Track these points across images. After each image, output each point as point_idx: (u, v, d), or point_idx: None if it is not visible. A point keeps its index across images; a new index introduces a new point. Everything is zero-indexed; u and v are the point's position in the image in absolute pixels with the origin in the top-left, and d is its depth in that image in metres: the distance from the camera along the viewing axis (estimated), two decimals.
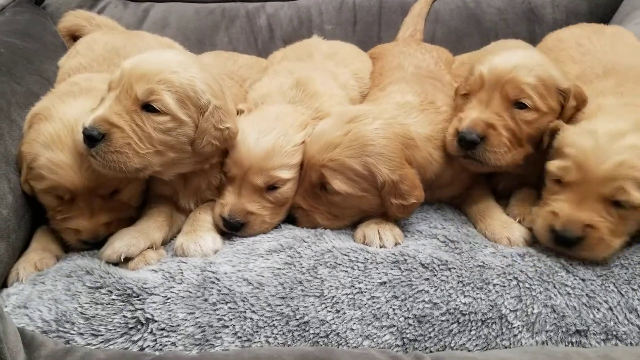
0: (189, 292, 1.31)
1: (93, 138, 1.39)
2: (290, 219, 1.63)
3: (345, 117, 1.55)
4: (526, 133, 1.57)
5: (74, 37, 2.28)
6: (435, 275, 1.37)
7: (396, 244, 1.49)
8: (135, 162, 1.42)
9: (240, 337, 1.25)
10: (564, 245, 1.42)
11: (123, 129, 1.40)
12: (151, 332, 1.24)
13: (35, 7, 2.38)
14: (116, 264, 1.45)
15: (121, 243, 1.46)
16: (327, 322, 1.28)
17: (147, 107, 1.43)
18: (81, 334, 1.24)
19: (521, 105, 1.56)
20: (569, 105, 1.58)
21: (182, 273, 1.36)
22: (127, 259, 1.46)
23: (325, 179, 1.50)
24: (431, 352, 1.23)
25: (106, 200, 1.54)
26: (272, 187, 1.58)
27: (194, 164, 1.56)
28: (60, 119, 1.49)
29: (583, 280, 1.38)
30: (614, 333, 1.31)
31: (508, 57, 1.59)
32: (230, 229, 1.56)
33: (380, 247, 1.47)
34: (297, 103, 1.76)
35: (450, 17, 2.56)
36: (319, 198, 1.56)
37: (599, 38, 2.03)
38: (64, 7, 2.42)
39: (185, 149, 1.50)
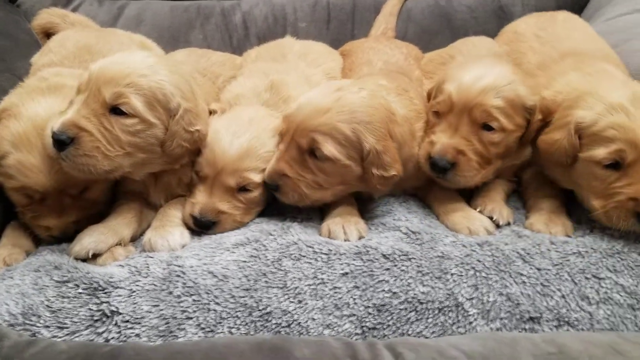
0: (154, 285, 1.34)
1: (62, 142, 1.41)
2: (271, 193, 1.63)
3: (332, 87, 1.59)
4: (494, 152, 1.63)
5: (48, 35, 2.31)
6: (395, 265, 1.41)
7: (360, 237, 1.53)
8: (104, 165, 1.45)
9: (204, 329, 1.28)
10: None
11: (92, 133, 1.43)
12: (116, 324, 1.27)
13: (8, 5, 2.41)
14: (85, 259, 1.47)
15: (90, 239, 1.49)
16: (290, 312, 1.31)
17: (116, 110, 1.45)
18: (47, 326, 1.26)
19: (489, 127, 1.60)
20: (535, 120, 1.63)
21: (148, 267, 1.39)
22: (96, 255, 1.48)
23: (317, 143, 1.51)
24: (388, 339, 1.27)
25: (75, 199, 1.57)
26: (243, 189, 1.60)
27: (164, 164, 1.59)
28: (29, 119, 1.51)
29: (539, 269, 1.42)
30: (566, 319, 1.35)
31: (476, 78, 1.61)
32: (201, 227, 1.58)
33: (345, 241, 1.51)
34: (271, 106, 1.79)
35: (422, 16, 2.61)
36: (305, 166, 1.56)
37: (553, 27, 2.11)
38: (39, 5, 2.45)
39: (155, 150, 1.53)
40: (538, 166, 1.76)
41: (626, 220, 1.47)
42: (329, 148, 1.50)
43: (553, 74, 1.77)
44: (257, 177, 1.59)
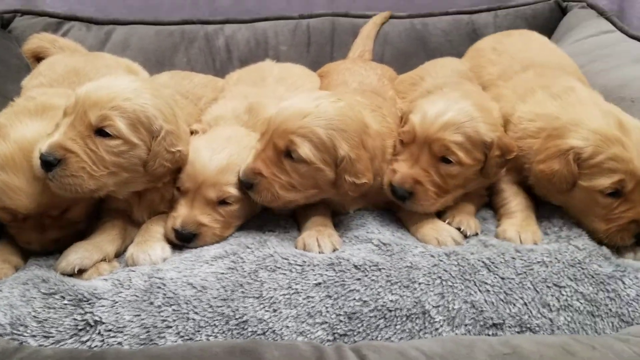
0: (136, 296, 1.40)
1: (49, 163, 1.49)
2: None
3: (312, 95, 1.68)
4: (452, 184, 1.71)
5: (38, 59, 2.39)
6: (366, 275, 1.48)
7: (334, 250, 1.60)
8: (90, 184, 1.53)
9: (183, 337, 1.34)
10: None
11: (78, 154, 1.50)
12: (99, 333, 1.32)
13: (0, 31, 2.49)
14: (71, 275, 1.53)
15: (75, 256, 1.55)
16: (265, 320, 1.38)
17: (101, 132, 1.53)
18: (34, 336, 1.32)
19: (447, 160, 1.68)
20: (492, 155, 1.71)
21: (130, 280, 1.45)
22: (81, 271, 1.55)
23: (294, 145, 1.58)
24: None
25: (56, 219, 1.63)
26: (223, 202, 1.67)
27: (147, 183, 1.66)
28: (15, 142, 1.56)
29: (503, 278, 1.49)
30: (528, 325, 1.42)
31: (439, 113, 1.69)
32: (182, 240, 1.64)
33: (319, 253, 1.58)
34: (250, 127, 1.87)
35: (398, 39, 2.74)
36: (280, 167, 1.62)
37: (509, 40, 2.27)
38: (29, 30, 2.54)
39: (138, 169, 1.60)
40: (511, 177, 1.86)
41: (628, 239, 1.64)
42: (305, 150, 1.58)
43: (518, 88, 1.89)
44: (235, 191, 1.67)
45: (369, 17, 2.79)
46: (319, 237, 1.62)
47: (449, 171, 1.69)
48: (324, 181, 1.64)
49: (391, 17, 2.81)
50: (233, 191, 1.67)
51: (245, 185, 1.65)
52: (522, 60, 2.10)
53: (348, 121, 1.61)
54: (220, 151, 1.68)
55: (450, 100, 1.73)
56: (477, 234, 1.71)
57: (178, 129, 1.65)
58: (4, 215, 1.60)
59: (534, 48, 2.24)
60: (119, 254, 1.68)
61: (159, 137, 1.59)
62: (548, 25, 2.83)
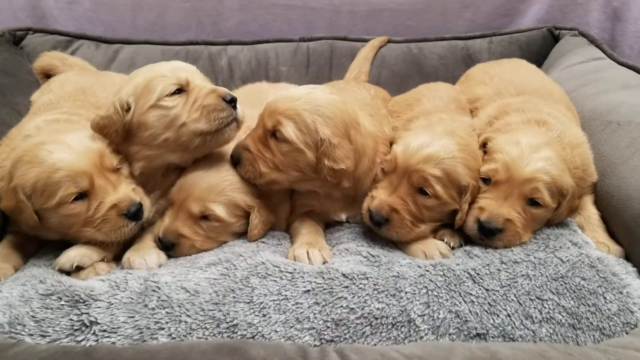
0: (131, 298, 1.46)
1: None
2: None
3: (312, 86, 1.79)
4: (427, 215, 1.74)
5: (48, 76, 2.50)
6: (354, 283, 1.52)
7: (324, 262, 1.64)
8: None
9: (175, 338, 1.38)
10: None
11: None
12: (94, 333, 1.38)
13: (13, 47, 2.60)
14: (69, 273, 1.60)
15: (75, 253, 1.63)
16: (254, 324, 1.42)
17: None
18: (31, 334, 1.37)
19: (424, 192, 1.71)
20: (465, 199, 1.73)
21: (126, 282, 1.51)
22: (79, 269, 1.61)
23: (280, 124, 1.68)
24: None
25: (118, 174, 1.71)
26: (206, 217, 1.73)
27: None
28: (44, 140, 1.64)
29: (487, 290, 1.54)
30: (511, 336, 1.45)
31: (422, 145, 1.71)
32: (164, 248, 1.72)
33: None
34: None
35: (394, 62, 2.82)
36: (266, 145, 1.73)
37: (500, 65, 2.39)
38: (40, 47, 2.64)
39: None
40: None
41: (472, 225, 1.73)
42: (288, 130, 1.67)
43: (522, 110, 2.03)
44: (218, 210, 1.72)
45: (366, 40, 2.87)
46: (309, 249, 1.68)
47: (425, 203, 1.72)
48: (305, 163, 1.72)
49: (389, 41, 2.89)
50: (215, 209, 1.72)
51: (233, 160, 1.76)
52: (517, 86, 2.21)
53: (335, 110, 1.70)
54: (215, 171, 1.76)
55: (434, 135, 1.75)
56: (461, 245, 1.77)
57: None
58: (76, 207, 1.62)
59: (526, 76, 2.32)
60: (118, 256, 1.73)
61: None
62: (541, 51, 2.91)
